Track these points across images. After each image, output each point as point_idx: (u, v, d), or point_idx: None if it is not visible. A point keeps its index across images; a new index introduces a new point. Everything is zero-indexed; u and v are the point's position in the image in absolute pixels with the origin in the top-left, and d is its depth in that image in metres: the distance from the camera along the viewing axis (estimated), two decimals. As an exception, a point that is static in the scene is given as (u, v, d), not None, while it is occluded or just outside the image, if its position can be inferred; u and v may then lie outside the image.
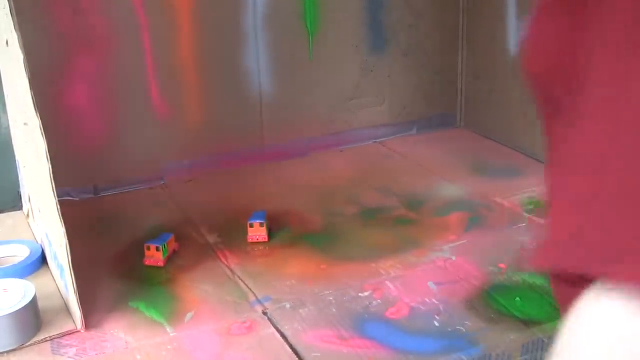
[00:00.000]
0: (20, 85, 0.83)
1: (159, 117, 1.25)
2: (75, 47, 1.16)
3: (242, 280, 0.94)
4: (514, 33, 1.33)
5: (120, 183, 1.24)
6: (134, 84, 1.21)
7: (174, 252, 1.01)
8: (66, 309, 0.87)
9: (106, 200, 1.21)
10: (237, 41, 1.27)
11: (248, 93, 1.30)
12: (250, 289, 0.92)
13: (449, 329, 0.83)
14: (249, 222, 1.04)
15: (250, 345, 0.81)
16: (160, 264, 0.98)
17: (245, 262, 0.99)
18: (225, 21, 1.25)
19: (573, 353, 0.41)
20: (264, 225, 1.04)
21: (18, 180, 1.12)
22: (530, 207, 1.12)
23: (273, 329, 0.84)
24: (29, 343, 0.81)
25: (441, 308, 0.87)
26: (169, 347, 0.81)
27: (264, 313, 0.87)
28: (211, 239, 1.06)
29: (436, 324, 0.84)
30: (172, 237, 1.01)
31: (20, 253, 0.98)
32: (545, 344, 0.81)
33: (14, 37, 0.80)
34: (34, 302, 0.82)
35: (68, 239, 0.81)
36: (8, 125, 1.09)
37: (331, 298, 0.90)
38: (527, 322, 0.84)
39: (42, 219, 0.96)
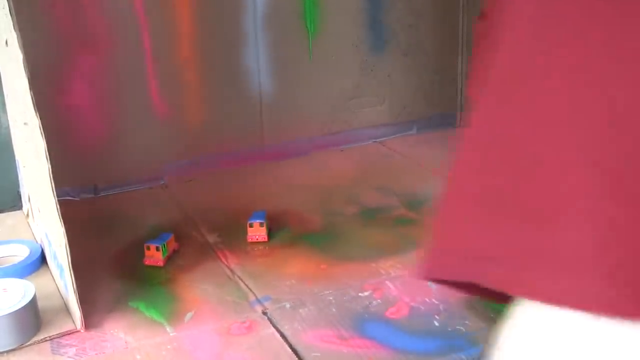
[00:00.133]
0: (19, 85, 0.83)
1: (159, 117, 1.24)
2: (75, 47, 1.16)
3: (242, 280, 0.94)
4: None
5: (120, 183, 1.23)
6: (134, 84, 1.21)
7: (174, 252, 1.01)
8: (66, 309, 0.87)
9: (106, 200, 1.21)
10: (237, 41, 1.27)
11: (248, 93, 1.30)
12: (250, 289, 0.92)
13: (449, 329, 0.83)
14: (248, 222, 1.04)
15: (250, 345, 0.81)
16: (160, 264, 0.98)
17: (245, 262, 0.99)
18: (225, 21, 1.25)
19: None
20: (264, 225, 1.04)
21: (18, 180, 1.12)
22: (530, 207, 1.12)
23: (273, 329, 0.83)
24: (28, 343, 0.81)
25: (441, 308, 0.87)
26: (169, 347, 0.81)
27: (264, 313, 0.87)
28: (211, 239, 1.06)
29: (436, 324, 0.84)
30: (172, 237, 1.01)
31: (20, 253, 0.98)
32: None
33: (13, 37, 0.80)
34: (33, 302, 0.82)
35: (68, 239, 0.81)
36: (8, 125, 1.09)
37: (331, 298, 0.90)
38: (527, 322, 0.84)
39: (42, 219, 0.95)
